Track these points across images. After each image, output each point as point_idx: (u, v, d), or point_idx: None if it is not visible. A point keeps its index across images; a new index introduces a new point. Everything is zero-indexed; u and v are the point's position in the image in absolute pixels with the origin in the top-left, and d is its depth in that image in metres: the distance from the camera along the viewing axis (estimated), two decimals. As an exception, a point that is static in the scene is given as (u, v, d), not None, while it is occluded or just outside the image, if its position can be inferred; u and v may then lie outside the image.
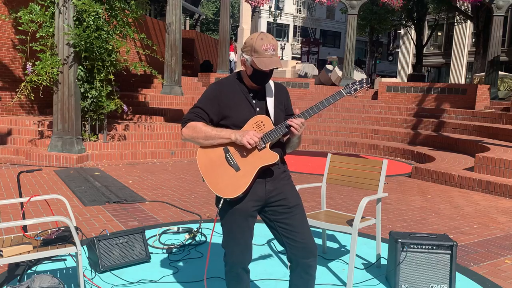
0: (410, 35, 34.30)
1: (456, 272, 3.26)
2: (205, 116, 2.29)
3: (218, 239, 4.12)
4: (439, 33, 37.94)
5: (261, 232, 4.24)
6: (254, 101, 2.32)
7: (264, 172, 2.27)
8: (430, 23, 34.78)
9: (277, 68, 2.25)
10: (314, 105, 2.27)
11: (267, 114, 2.31)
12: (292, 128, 2.21)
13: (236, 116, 2.26)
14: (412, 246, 3.11)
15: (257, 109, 2.31)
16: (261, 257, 3.72)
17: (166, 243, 3.97)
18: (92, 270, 3.32)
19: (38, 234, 2.86)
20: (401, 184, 7.20)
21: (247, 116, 2.26)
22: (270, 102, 2.34)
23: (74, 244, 2.68)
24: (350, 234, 3.16)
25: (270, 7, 37.56)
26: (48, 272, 3.23)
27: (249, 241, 2.32)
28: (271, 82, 2.38)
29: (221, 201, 2.26)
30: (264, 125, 2.26)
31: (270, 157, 2.24)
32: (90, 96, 7.99)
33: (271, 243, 4.05)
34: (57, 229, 2.84)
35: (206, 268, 2.81)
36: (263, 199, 2.30)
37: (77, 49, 7.55)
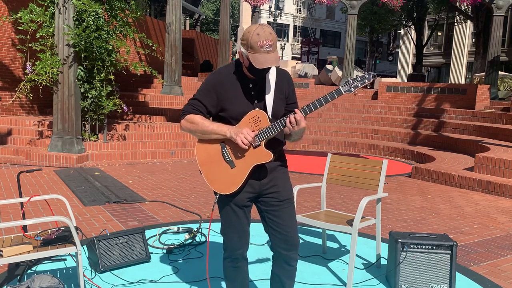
0: (410, 35, 34.31)
1: (456, 272, 3.26)
2: (202, 108, 2.26)
3: (217, 238, 4.12)
4: (439, 33, 37.94)
5: (261, 232, 4.24)
6: (252, 93, 2.26)
7: (260, 168, 2.28)
8: (430, 23, 34.77)
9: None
10: (310, 103, 2.17)
11: (265, 106, 2.27)
12: (286, 127, 2.18)
13: (233, 109, 2.24)
14: (412, 246, 3.11)
15: (255, 101, 2.27)
16: (261, 257, 3.72)
17: (166, 243, 3.97)
18: (92, 270, 3.31)
19: (38, 234, 2.86)
20: (401, 184, 7.20)
21: (245, 109, 2.23)
22: (270, 93, 2.28)
23: (74, 244, 2.68)
24: (350, 234, 3.15)
25: (270, 7, 37.57)
26: (48, 272, 3.23)
27: (246, 227, 2.38)
28: (273, 68, 2.29)
29: (217, 195, 2.31)
30: (260, 121, 2.21)
31: (264, 155, 2.22)
32: (90, 96, 7.99)
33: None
34: (57, 229, 2.84)
35: (207, 266, 2.81)
36: (257, 191, 2.34)
37: (77, 49, 7.55)
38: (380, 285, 3.27)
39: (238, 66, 2.28)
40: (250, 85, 2.26)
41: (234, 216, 2.33)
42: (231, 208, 2.32)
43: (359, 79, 2.17)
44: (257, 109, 2.25)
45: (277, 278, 2.44)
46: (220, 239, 4.07)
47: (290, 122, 2.16)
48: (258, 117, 2.21)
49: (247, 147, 2.18)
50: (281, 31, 45.18)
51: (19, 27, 7.74)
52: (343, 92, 2.15)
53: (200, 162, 2.32)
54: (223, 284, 3.13)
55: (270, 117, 2.25)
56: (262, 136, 2.20)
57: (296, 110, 2.18)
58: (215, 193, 2.34)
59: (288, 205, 2.36)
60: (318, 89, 15.31)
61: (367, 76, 2.15)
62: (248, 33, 2.11)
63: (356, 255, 3.82)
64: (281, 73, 2.35)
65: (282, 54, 39.11)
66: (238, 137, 2.15)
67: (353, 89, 2.16)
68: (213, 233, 4.30)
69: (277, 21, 36.56)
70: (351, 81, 2.17)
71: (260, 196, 2.36)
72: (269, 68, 2.20)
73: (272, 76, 2.31)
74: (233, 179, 2.25)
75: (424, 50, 31.15)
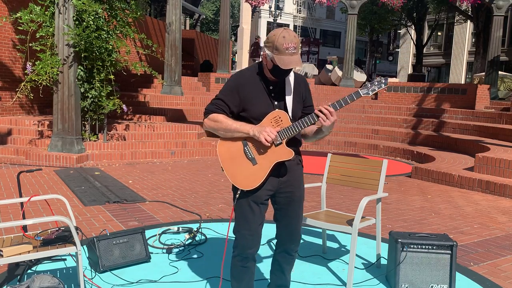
0: (410, 35, 34.31)
1: (456, 272, 3.26)
2: (225, 108, 2.38)
3: (219, 239, 4.12)
4: (439, 33, 37.94)
5: (262, 233, 4.23)
6: (273, 94, 2.40)
7: (280, 165, 2.40)
8: (430, 23, 34.78)
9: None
10: (330, 104, 2.30)
11: (285, 108, 2.40)
12: (320, 118, 2.27)
13: (255, 109, 2.36)
14: (412, 246, 3.11)
15: (276, 103, 2.40)
16: (261, 257, 3.72)
17: (166, 243, 3.97)
18: (92, 270, 3.32)
19: (38, 234, 2.86)
20: (401, 184, 7.20)
21: (265, 110, 2.36)
22: (289, 96, 2.42)
23: (74, 244, 2.68)
24: (350, 234, 3.16)
25: (270, 7, 37.54)
26: (48, 272, 3.23)
27: (259, 228, 2.47)
28: (291, 74, 2.45)
29: (238, 191, 2.39)
30: (281, 120, 2.34)
31: (285, 153, 2.34)
32: (90, 96, 7.99)
33: (271, 243, 4.06)
34: (57, 229, 2.83)
35: (222, 263, 2.82)
36: (276, 188, 2.46)
37: (77, 49, 7.55)
38: (380, 285, 3.27)
39: (259, 69, 2.41)
40: (271, 87, 2.40)
41: (250, 213, 2.40)
42: (249, 205, 2.40)
43: (376, 83, 2.32)
44: (278, 109, 2.37)
45: (277, 263, 2.68)
46: (220, 240, 4.08)
47: (324, 114, 2.25)
48: (280, 117, 2.35)
49: (269, 145, 2.29)
50: (281, 31, 45.10)
51: (19, 27, 7.74)
52: (362, 95, 2.31)
53: (222, 159, 2.41)
54: (225, 284, 3.13)
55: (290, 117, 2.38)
56: (284, 135, 2.33)
57: (320, 107, 2.29)
58: (235, 191, 2.42)
59: (298, 205, 2.54)
60: (318, 89, 15.31)
61: (383, 81, 2.31)
62: (273, 36, 2.24)
63: (356, 255, 3.82)
64: (298, 77, 2.50)
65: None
66: (261, 135, 2.26)
67: (371, 92, 2.31)
68: (213, 233, 4.30)
69: (277, 21, 36.54)
70: (369, 85, 2.33)
71: (276, 194, 2.49)
72: (291, 70, 2.34)
73: (290, 80, 2.44)
74: (255, 174, 2.35)
75: (424, 50, 31.16)
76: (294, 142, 2.44)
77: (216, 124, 2.36)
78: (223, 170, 2.41)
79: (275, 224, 2.60)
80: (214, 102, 2.40)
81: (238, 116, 2.40)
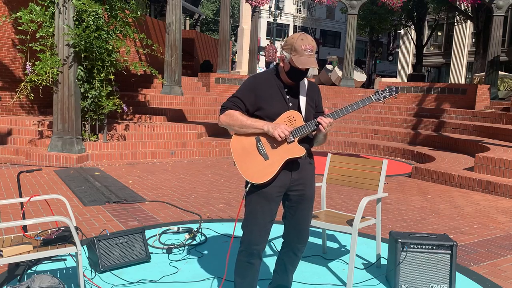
0: (410, 35, 34.31)
1: (456, 272, 3.26)
2: (242, 105, 2.47)
3: (219, 239, 4.12)
4: (439, 33, 37.93)
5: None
6: (288, 97, 2.49)
7: (292, 163, 2.45)
8: (430, 23, 34.78)
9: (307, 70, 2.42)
10: (343, 107, 2.46)
11: (299, 110, 2.48)
12: (320, 126, 2.39)
13: (270, 108, 2.44)
14: (412, 246, 3.11)
15: (290, 104, 2.48)
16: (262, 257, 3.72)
17: (166, 243, 3.97)
18: (92, 270, 3.32)
19: (38, 234, 2.86)
20: (401, 184, 7.20)
21: (280, 110, 2.44)
22: (303, 99, 2.52)
23: (74, 244, 2.68)
24: (350, 234, 3.16)
25: (270, 7, 37.53)
26: (48, 272, 3.23)
27: (268, 225, 2.50)
28: (305, 80, 2.55)
29: (249, 185, 2.44)
30: (295, 120, 2.43)
31: (297, 150, 2.42)
32: (90, 96, 7.99)
33: (271, 243, 4.06)
34: (57, 229, 2.83)
35: (226, 265, 2.82)
36: (287, 186, 2.49)
37: (77, 49, 7.55)
38: (380, 285, 3.27)
39: (275, 73, 2.53)
40: (286, 90, 2.50)
41: (259, 209, 2.44)
42: (259, 201, 2.44)
43: (387, 90, 2.52)
44: (292, 110, 2.47)
45: (282, 262, 2.72)
46: (220, 240, 4.08)
47: (322, 125, 2.38)
48: (293, 117, 2.44)
49: (281, 140, 2.37)
50: (281, 31, 45.14)
51: (19, 27, 7.74)
52: (373, 100, 2.49)
53: (235, 153, 2.47)
54: (225, 284, 3.13)
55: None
56: (297, 133, 2.42)
57: (325, 115, 2.42)
58: (246, 185, 2.46)
59: (309, 205, 2.59)
60: (318, 89, 15.28)
61: (394, 89, 2.53)
62: (292, 39, 2.37)
63: (356, 255, 3.82)
64: (311, 84, 2.61)
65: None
66: (275, 131, 2.34)
67: (382, 99, 2.50)
68: (213, 233, 4.30)
69: (277, 21, 36.52)
70: (381, 92, 2.51)
71: (287, 192, 2.53)
72: (306, 73, 2.42)
73: (304, 86, 2.55)
74: (267, 169, 2.40)
75: (424, 50, 31.16)
76: (306, 143, 2.51)
77: (231, 120, 2.44)
78: (235, 164, 2.47)
79: (279, 226, 2.62)
80: (230, 100, 2.49)
81: (253, 115, 2.47)
